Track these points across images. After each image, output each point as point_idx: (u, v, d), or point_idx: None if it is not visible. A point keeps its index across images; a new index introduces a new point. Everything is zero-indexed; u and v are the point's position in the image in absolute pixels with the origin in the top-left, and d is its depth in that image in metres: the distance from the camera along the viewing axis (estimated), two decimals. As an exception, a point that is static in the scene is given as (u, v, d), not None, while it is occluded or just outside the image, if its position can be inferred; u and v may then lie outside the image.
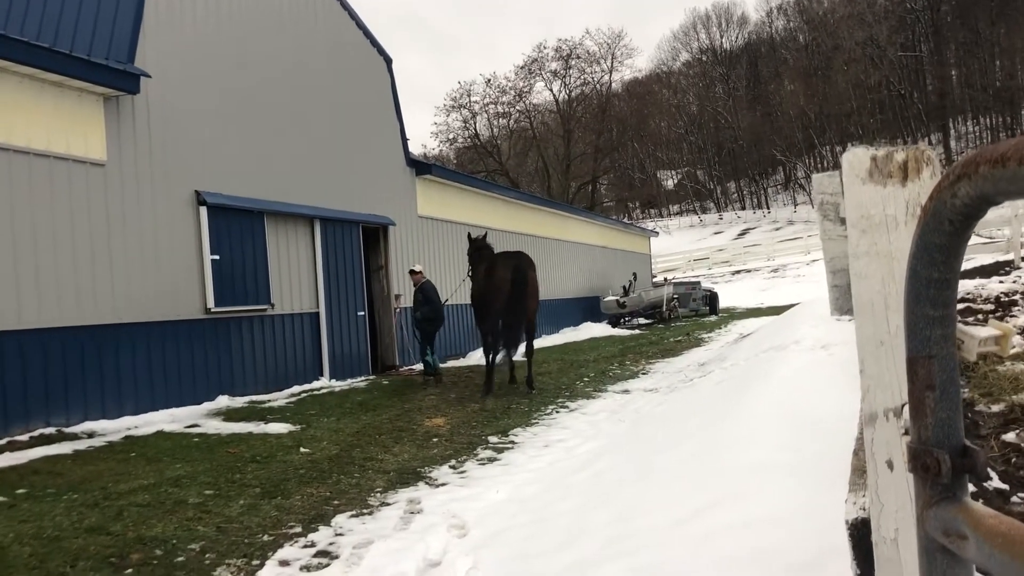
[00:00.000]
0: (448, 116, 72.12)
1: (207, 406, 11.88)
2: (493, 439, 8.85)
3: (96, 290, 10.61)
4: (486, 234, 14.74)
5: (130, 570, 4.88)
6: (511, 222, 24.16)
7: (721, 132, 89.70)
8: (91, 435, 9.68)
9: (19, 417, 9.43)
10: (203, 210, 12.45)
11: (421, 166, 19.65)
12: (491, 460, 7.85)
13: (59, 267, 10.12)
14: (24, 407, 9.50)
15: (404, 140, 18.78)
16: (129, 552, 5.19)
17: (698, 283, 33.53)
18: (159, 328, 11.51)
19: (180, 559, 5.10)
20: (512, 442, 8.68)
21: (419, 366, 17.47)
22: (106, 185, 10.88)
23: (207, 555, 5.18)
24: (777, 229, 73.32)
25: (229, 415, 11.03)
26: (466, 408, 11.06)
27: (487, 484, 6.77)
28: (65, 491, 6.80)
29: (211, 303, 12.42)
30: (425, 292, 13.68)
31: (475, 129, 70.73)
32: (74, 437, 9.50)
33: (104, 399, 10.52)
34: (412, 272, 14.27)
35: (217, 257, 12.59)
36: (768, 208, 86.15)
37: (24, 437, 9.26)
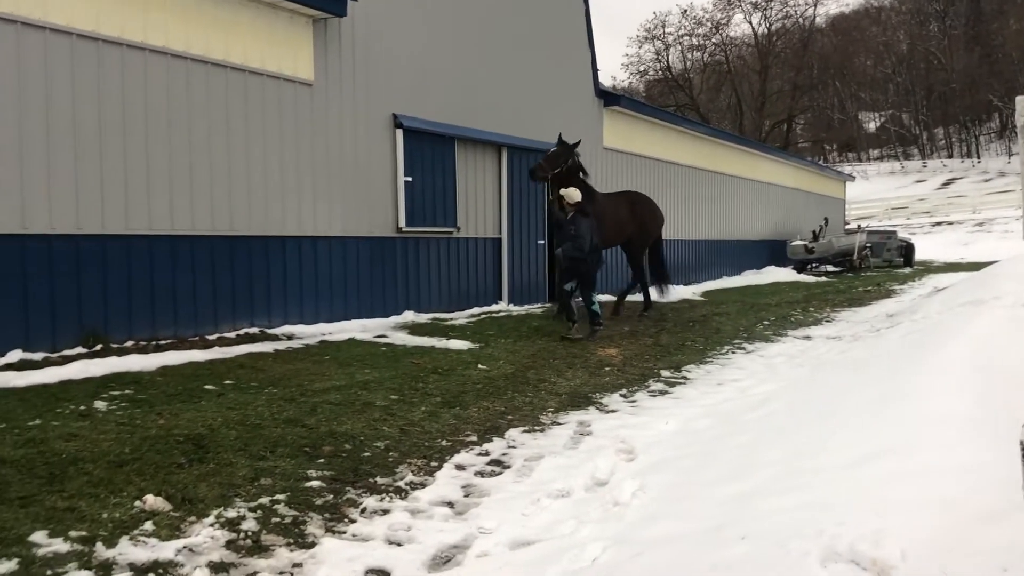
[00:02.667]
0: (640, 48, 70.54)
1: (394, 319, 12.51)
2: (665, 373, 8.90)
3: (300, 203, 11.30)
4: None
5: (322, 460, 5.30)
6: (699, 158, 23.67)
7: (932, 73, 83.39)
8: (290, 337, 10.43)
9: (228, 316, 10.29)
10: (399, 133, 12.92)
11: (610, 97, 19.49)
12: (662, 393, 7.92)
13: (267, 179, 10.83)
14: (232, 307, 10.33)
15: (595, 70, 18.66)
16: (321, 444, 5.63)
17: (894, 232, 31.85)
18: (354, 243, 12.16)
19: (366, 454, 5.49)
20: (685, 377, 8.71)
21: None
22: (312, 104, 11.48)
23: (390, 453, 5.56)
24: (986, 180, 68.07)
25: (414, 329, 11.59)
26: (639, 341, 11.12)
27: (657, 414, 6.86)
28: (266, 385, 7.41)
29: (403, 223, 12.96)
30: (579, 223, 11.13)
31: (667, 62, 69.18)
32: (275, 338, 10.28)
33: (303, 305, 11.28)
34: (566, 200, 11.47)
35: (410, 179, 13.07)
36: (978, 157, 79.93)
37: (231, 334, 10.11)
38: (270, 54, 10.84)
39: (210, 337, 9.87)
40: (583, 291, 11.30)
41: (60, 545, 3.77)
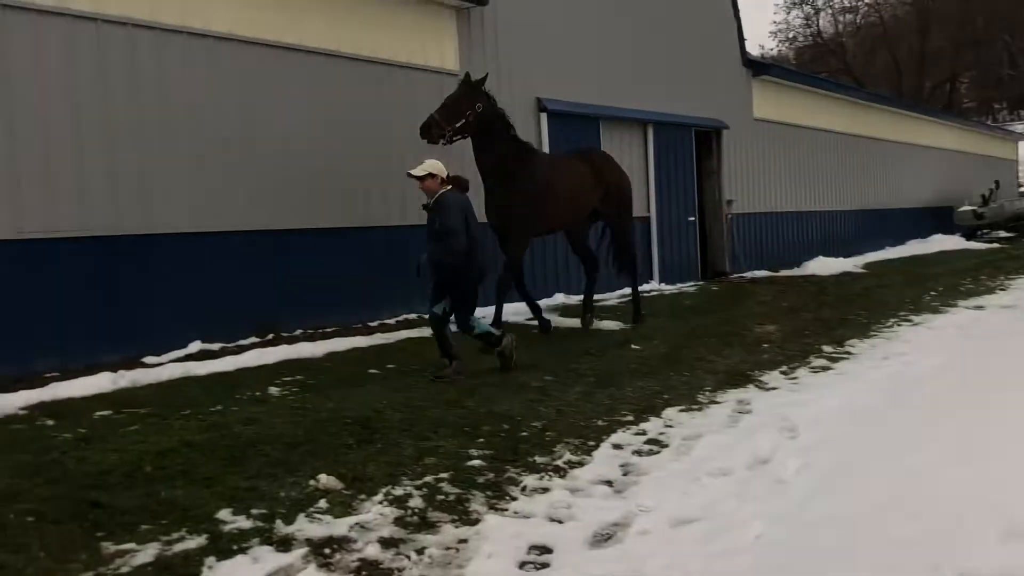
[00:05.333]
0: (788, 14, 67.81)
1: (546, 302, 12.56)
2: (827, 348, 8.63)
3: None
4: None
5: (481, 439, 5.43)
6: (855, 125, 22.67)
7: (1118, 18, 76.64)
8: (445, 322, 10.69)
9: (387, 303, 10.64)
10: (543, 116, 12.98)
11: (758, 66, 18.96)
12: (824, 369, 7.70)
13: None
14: (391, 295, 10.67)
15: (741, 40, 18.16)
16: (480, 424, 5.77)
17: (1074, 195, 29.60)
18: (503, 228, 12.31)
19: (524, 434, 5.59)
20: (848, 352, 8.42)
21: (749, 273, 17.26)
22: (458, 94, 11.68)
23: (547, 433, 5.64)
24: None
25: (565, 311, 11.64)
26: (799, 317, 10.82)
27: (819, 391, 6.67)
28: (426, 368, 7.61)
29: (550, 205, 13.01)
30: (445, 210, 7.14)
31: (817, 26, 66.37)
32: (431, 323, 10.55)
33: (457, 291, 11.52)
34: (419, 176, 7.27)
35: (556, 161, 13.10)
36: None
37: (391, 320, 10.47)
38: (416, 47, 11.09)
39: (372, 324, 10.24)
40: (458, 314, 7.41)
41: (243, 522, 4.02)
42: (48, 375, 7.21)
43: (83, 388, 6.72)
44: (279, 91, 9.59)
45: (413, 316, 10.73)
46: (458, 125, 8.53)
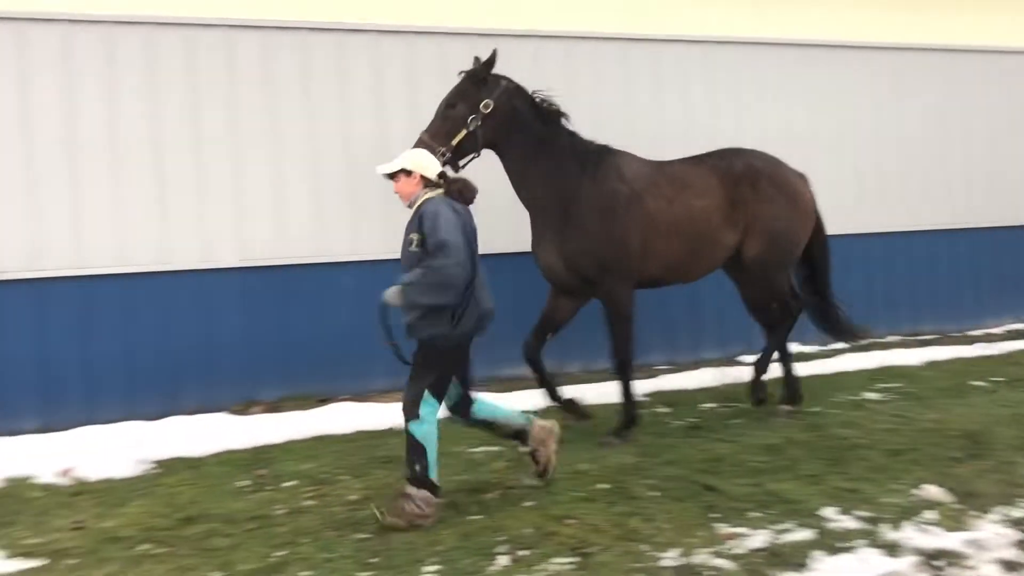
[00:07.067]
0: None
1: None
2: None
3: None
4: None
5: None
6: None
7: None
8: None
9: (990, 311, 9.87)
10: None
11: None
12: None
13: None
14: (992, 301, 9.89)
15: None
16: None
17: None
18: None
19: None
20: None
21: None
22: None
23: None
24: None
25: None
26: None
27: None
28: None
29: None
30: (431, 223, 4.28)
31: None
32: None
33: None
34: (390, 175, 4.57)
35: None
36: None
37: (997, 330, 9.67)
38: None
39: (973, 333, 9.55)
40: (460, 404, 4.65)
41: (848, 522, 4.10)
42: (657, 367, 8.02)
43: (690, 381, 7.44)
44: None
45: (1021, 326, 9.75)
46: (456, 141, 5.50)
